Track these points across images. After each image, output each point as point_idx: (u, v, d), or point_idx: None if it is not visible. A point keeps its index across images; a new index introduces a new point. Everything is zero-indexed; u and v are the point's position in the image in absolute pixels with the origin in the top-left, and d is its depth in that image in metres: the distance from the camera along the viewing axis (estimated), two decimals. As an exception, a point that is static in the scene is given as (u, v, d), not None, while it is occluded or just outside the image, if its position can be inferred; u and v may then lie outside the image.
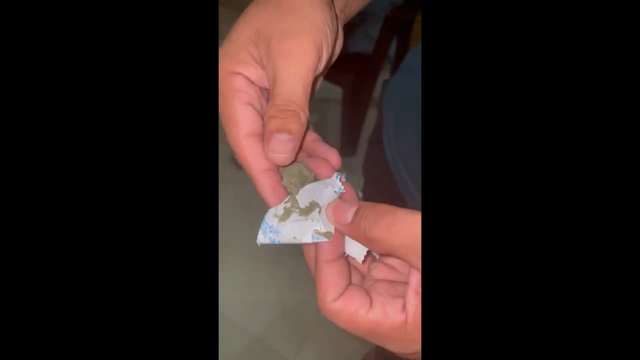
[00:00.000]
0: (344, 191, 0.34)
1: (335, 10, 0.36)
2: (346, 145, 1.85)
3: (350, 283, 0.32)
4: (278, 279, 1.53)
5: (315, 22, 0.33)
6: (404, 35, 1.76)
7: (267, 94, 0.35)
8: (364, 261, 0.33)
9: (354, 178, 0.41)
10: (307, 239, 0.32)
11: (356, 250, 0.32)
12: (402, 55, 1.76)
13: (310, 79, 0.33)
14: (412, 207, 0.35)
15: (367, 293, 0.31)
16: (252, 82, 0.34)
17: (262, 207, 0.33)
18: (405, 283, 0.30)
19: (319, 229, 0.32)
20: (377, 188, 0.73)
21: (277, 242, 0.33)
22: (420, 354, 0.30)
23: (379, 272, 0.34)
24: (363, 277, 0.34)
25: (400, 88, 0.66)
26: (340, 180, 0.34)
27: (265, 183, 0.33)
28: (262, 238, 0.33)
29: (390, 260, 0.34)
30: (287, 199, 0.34)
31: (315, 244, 0.32)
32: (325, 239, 0.31)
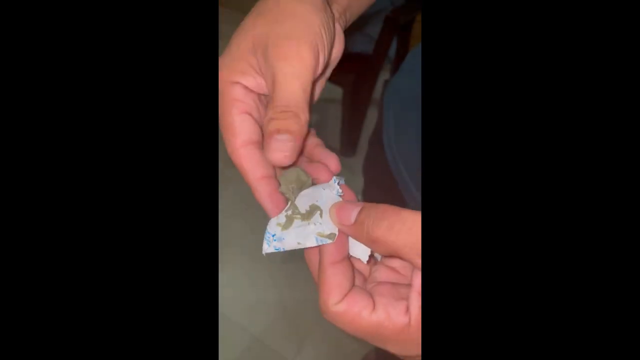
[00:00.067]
0: (343, 194, 0.34)
1: (331, 14, 0.36)
2: (346, 146, 1.85)
3: (353, 285, 0.32)
4: (278, 279, 1.52)
5: (311, 25, 0.33)
6: (404, 35, 1.76)
7: (266, 100, 0.35)
8: (368, 262, 0.33)
9: (354, 179, 0.41)
10: (311, 242, 0.32)
11: (360, 251, 0.32)
12: (402, 56, 1.76)
13: (308, 81, 0.33)
14: (413, 207, 0.35)
15: (370, 295, 0.31)
16: (251, 90, 0.34)
17: (262, 208, 0.33)
18: (408, 285, 0.30)
19: (322, 231, 0.32)
20: (377, 188, 0.73)
21: (282, 250, 0.33)
22: None
23: (381, 274, 0.33)
24: (365, 279, 0.34)
25: (401, 88, 0.66)
26: (338, 184, 0.34)
27: (263, 190, 0.33)
28: (267, 248, 0.33)
29: (393, 263, 0.34)
30: (287, 207, 0.34)
31: (319, 247, 0.32)
32: (329, 241, 0.31)
